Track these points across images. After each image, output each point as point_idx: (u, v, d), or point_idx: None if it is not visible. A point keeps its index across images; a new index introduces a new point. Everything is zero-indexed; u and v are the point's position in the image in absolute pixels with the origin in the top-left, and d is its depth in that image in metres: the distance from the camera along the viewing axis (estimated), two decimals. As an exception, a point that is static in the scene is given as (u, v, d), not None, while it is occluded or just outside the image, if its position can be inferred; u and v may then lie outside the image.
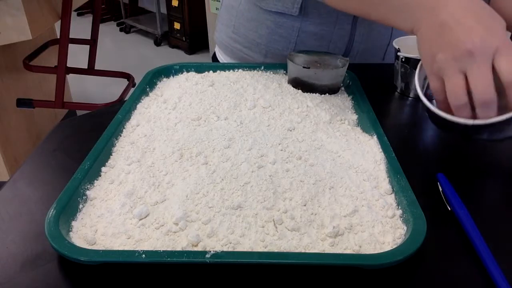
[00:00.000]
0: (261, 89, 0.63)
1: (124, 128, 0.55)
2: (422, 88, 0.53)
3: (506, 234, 0.41)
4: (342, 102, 0.62)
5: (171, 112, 0.57)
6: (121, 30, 4.05)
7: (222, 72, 0.70)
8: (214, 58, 0.92)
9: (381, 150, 0.49)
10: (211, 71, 0.70)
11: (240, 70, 0.71)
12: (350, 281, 0.36)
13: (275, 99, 0.60)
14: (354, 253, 0.37)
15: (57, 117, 2.22)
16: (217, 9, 2.65)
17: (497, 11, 0.44)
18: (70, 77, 2.23)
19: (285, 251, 0.37)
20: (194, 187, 0.43)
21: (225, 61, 0.87)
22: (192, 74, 0.68)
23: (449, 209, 0.43)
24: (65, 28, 1.65)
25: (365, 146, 0.51)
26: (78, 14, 4.25)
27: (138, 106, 0.60)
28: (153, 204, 0.42)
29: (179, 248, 0.37)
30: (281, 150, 0.50)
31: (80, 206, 0.42)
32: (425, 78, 0.53)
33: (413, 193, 0.41)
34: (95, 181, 0.45)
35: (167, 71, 0.69)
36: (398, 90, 0.70)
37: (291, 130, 0.54)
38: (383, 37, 0.78)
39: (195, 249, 0.37)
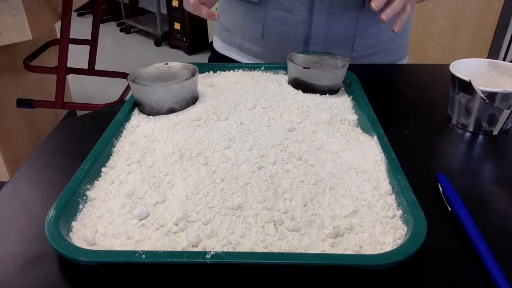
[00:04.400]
0: (261, 89, 0.63)
1: (124, 128, 0.55)
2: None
3: (506, 234, 0.41)
4: (342, 102, 0.62)
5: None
6: (121, 30, 4.05)
7: (223, 73, 0.70)
8: (211, 45, 0.97)
9: (381, 150, 0.49)
10: (211, 72, 0.71)
11: (240, 71, 0.71)
12: (350, 282, 0.36)
13: (275, 100, 0.60)
14: (354, 253, 0.37)
15: (57, 118, 2.22)
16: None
17: None
18: (70, 77, 2.23)
19: (285, 251, 0.37)
20: (194, 188, 0.43)
21: (217, 45, 0.93)
22: (192, 74, 0.68)
23: (450, 209, 0.43)
24: (66, 28, 1.65)
25: (365, 147, 0.51)
26: (79, 15, 4.25)
27: (138, 106, 0.60)
28: (153, 204, 0.42)
29: (179, 249, 0.37)
30: (281, 150, 0.50)
31: (80, 206, 0.42)
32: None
33: (414, 194, 0.41)
34: (95, 181, 0.45)
35: (167, 72, 0.69)
36: (458, 124, 0.60)
37: (291, 131, 0.54)
38: (347, 27, 0.78)
39: (195, 249, 0.37)
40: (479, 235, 0.39)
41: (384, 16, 0.60)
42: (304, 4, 0.76)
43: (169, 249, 0.37)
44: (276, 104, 0.59)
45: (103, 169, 0.47)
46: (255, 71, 0.70)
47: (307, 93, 0.63)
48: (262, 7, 0.79)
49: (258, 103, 0.59)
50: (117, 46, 3.76)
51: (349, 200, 0.42)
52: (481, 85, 0.55)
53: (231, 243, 0.37)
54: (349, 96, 0.64)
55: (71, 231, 0.39)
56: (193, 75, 0.58)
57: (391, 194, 0.44)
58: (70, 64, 1.84)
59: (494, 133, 0.57)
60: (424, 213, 0.38)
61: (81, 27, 2.58)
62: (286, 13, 0.77)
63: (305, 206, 0.41)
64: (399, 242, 0.38)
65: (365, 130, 0.55)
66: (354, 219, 0.40)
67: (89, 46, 2.09)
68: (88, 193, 0.43)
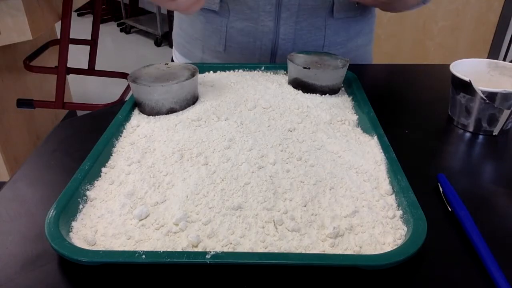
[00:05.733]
0: (262, 89, 0.63)
1: (124, 128, 0.55)
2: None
3: (506, 234, 0.41)
4: (342, 102, 0.62)
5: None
6: (121, 30, 4.05)
7: (223, 73, 0.70)
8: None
9: (381, 150, 0.49)
10: (211, 72, 0.70)
11: (240, 71, 0.71)
12: (350, 282, 0.36)
13: (276, 100, 0.60)
14: (354, 253, 0.37)
15: (58, 118, 2.22)
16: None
17: None
18: (71, 78, 2.23)
19: (285, 251, 0.37)
20: (194, 188, 0.43)
21: (176, 59, 0.88)
22: (192, 74, 0.68)
23: (450, 209, 0.43)
24: (66, 28, 1.66)
25: (366, 147, 0.51)
26: (79, 15, 4.25)
27: (138, 106, 0.60)
28: (153, 204, 0.42)
29: (179, 249, 0.37)
30: (281, 150, 0.50)
31: (80, 206, 0.42)
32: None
33: (414, 194, 0.41)
34: (95, 181, 0.45)
35: (167, 72, 0.69)
36: (459, 125, 0.60)
37: (291, 131, 0.54)
38: (315, 37, 0.76)
39: (195, 249, 0.37)
40: (479, 235, 0.39)
41: None
42: (270, 13, 0.72)
43: (169, 249, 0.37)
44: (276, 104, 0.59)
45: (103, 169, 0.47)
46: (255, 71, 0.70)
47: (307, 93, 0.63)
48: (223, 17, 0.74)
49: (258, 103, 0.59)
50: (117, 46, 3.76)
51: (349, 200, 0.42)
52: (481, 85, 0.55)
53: (231, 243, 0.37)
54: (349, 96, 0.64)
55: (71, 231, 0.39)
56: (193, 75, 0.59)
57: (391, 194, 0.44)
58: (70, 64, 1.84)
59: (494, 133, 0.57)
60: (424, 213, 0.38)
61: (81, 27, 2.59)
62: (250, 23, 0.73)
63: (305, 206, 0.41)
64: (399, 242, 0.38)
65: (365, 130, 0.55)
66: (354, 219, 0.40)
67: (89, 46, 2.09)
68: (88, 193, 0.43)
